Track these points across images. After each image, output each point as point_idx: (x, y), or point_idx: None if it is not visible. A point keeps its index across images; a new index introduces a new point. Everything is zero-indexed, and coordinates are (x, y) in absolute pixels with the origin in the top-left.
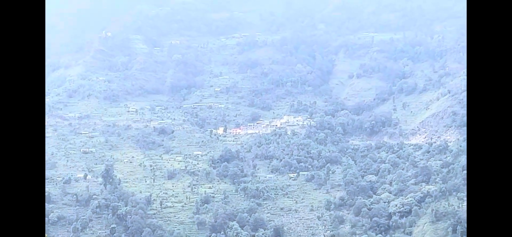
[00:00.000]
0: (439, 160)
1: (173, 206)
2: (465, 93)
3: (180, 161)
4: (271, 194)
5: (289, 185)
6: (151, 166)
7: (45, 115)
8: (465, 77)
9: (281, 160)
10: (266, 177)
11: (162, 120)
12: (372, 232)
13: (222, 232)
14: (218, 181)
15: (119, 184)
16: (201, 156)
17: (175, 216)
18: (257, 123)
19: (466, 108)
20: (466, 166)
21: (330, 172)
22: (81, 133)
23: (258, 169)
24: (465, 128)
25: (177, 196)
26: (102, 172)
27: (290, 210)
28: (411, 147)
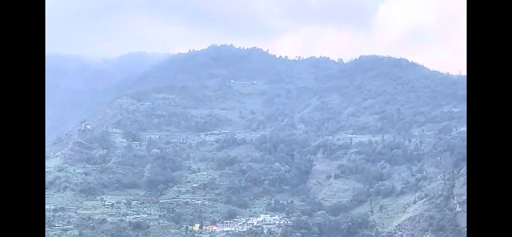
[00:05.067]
0: None
1: None
2: (442, 198)
3: None
4: None
5: None
6: None
7: None
8: (443, 182)
9: None
10: None
11: (138, 214)
12: None
13: None
14: None
15: None
16: None
17: None
18: (234, 221)
19: (442, 213)
20: (467, 166)
21: None
22: (55, 226)
23: None
24: (441, 232)
25: None
26: None
27: None
28: None
